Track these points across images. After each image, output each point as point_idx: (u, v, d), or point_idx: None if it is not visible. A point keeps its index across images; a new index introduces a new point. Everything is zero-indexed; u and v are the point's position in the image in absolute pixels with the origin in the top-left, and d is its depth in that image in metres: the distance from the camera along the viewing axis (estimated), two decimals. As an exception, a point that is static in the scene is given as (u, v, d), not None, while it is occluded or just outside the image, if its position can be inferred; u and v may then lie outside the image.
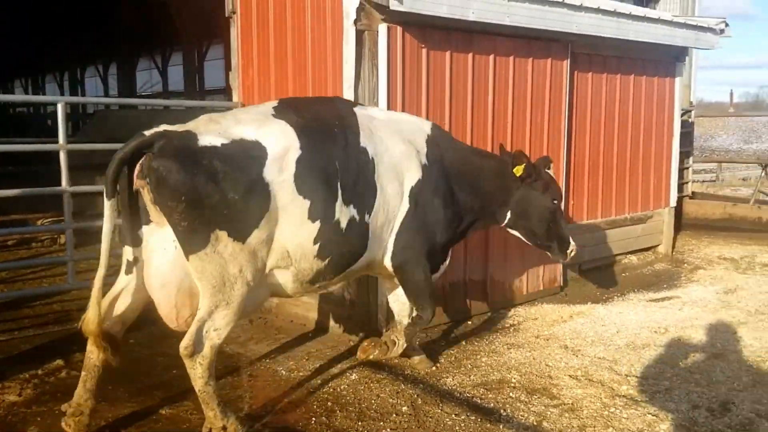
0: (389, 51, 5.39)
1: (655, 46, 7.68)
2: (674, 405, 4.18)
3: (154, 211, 3.56)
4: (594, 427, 3.95)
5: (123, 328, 3.89)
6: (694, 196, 12.10)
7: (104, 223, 3.51)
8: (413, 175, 4.38)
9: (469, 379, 4.67)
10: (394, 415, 4.12)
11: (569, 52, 6.91)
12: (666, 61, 8.35)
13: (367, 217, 4.10)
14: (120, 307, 3.81)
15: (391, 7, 5.03)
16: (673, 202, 8.90)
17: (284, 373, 4.82)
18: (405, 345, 4.61)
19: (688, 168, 11.74)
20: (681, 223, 11.02)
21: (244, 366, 4.91)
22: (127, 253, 3.76)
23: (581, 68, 7.31)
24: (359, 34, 5.33)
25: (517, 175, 4.68)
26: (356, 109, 4.34)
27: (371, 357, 4.67)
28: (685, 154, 11.33)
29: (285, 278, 3.94)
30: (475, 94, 6.13)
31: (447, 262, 4.86)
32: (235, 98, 6.87)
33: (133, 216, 3.65)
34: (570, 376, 4.70)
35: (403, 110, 5.49)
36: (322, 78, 5.75)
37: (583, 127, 7.53)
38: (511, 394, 4.40)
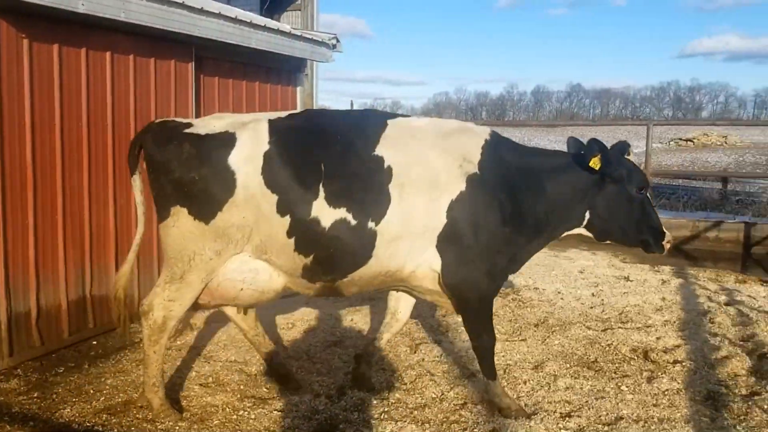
0: (-23, 38, 4.63)
1: (278, 56, 8.08)
2: (298, 397, 4.42)
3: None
4: (223, 433, 3.96)
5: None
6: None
7: (135, 196, 4.18)
8: (454, 188, 4.00)
9: (90, 407, 4.27)
10: (-6, 464, 3.55)
11: (194, 56, 6.84)
12: (288, 70, 8.86)
13: (371, 223, 3.89)
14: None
15: (-22, -11, 4.32)
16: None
17: None
18: (497, 391, 4.28)
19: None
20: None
21: None
22: None
23: (208, 72, 7.30)
24: (-64, 16, 4.45)
25: (596, 168, 4.14)
26: (391, 120, 4.17)
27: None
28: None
29: (276, 270, 4.02)
30: (92, 91, 5.66)
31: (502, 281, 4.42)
32: None
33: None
34: (201, 384, 4.65)
35: (0, 106, 4.80)
36: None
37: (212, 131, 7.53)
38: (138, 414, 4.14)
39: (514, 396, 4.48)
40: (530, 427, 4.06)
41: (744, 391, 4.66)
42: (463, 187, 4.01)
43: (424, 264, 4.07)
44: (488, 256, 4.08)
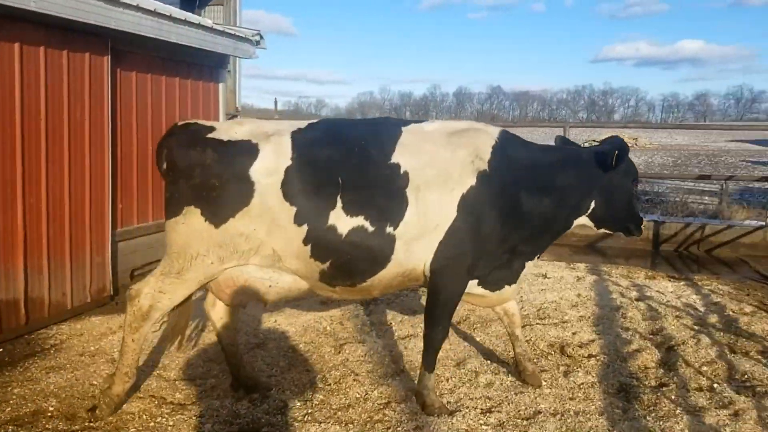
0: None
1: (199, 51, 7.89)
2: (219, 402, 4.34)
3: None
4: (140, 441, 3.83)
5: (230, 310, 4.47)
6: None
7: None
8: (466, 182, 4.12)
9: (-6, 418, 4.04)
10: None
11: (110, 48, 6.59)
12: (210, 66, 8.66)
13: (389, 228, 4.01)
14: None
15: None
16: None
17: None
18: (429, 385, 4.37)
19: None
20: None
21: None
22: None
23: (125, 66, 7.05)
24: None
25: (614, 164, 4.38)
26: (405, 127, 4.28)
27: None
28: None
29: (292, 274, 4.12)
30: (-2, 85, 5.37)
31: (516, 281, 4.63)
32: None
33: None
34: (116, 391, 4.47)
35: None
36: None
37: (130, 127, 7.28)
38: (48, 425, 3.95)
39: (437, 393, 4.54)
40: (452, 423, 4.12)
41: (653, 383, 4.89)
42: (473, 182, 4.14)
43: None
44: (476, 253, 4.21)
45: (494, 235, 4.23)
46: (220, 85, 8.96)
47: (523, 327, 6.10)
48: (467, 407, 4.37)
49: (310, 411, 4.29)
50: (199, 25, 7.60)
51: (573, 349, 5.55)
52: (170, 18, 7.02)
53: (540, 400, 4.52)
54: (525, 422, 4.20)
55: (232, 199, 3.90)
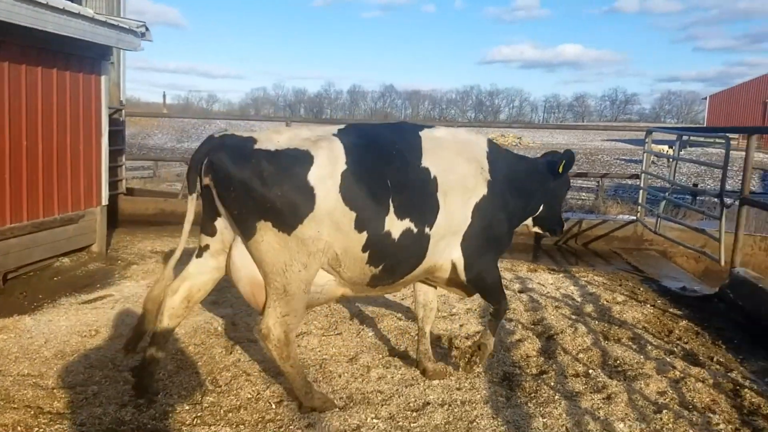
0: None
1: (79, 42, 7.50)
2: (102, 409, 4.15)
3: (219, 204, 4.01)
4: (14, 455, 3.61)
5: (188, 305, 4.33)
6: (130, 192, 12.37)
7: (187, 213, 4.11)
8: (479, 191, 4.55)
9: None
10: None
11: (-23, 36, 6.14)
12: (91, 57, 8.26)
13: (427, 229, 4.31)
14: (185, 287, 4.28)
15: None
16: (105, 200, 8.91)
17: None
18: (492, 340, 4.87)
19: (121, 166, 11.94)
20: (117, 220, 11.16)
21: None
22: (201, 239, 4.25)
23: (-6, 56, 6.59)
24: None
25: (560, 171, 4.92)
26: (422, 132, 4.52)
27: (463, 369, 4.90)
28: (117, 152, 11.48)
29: (342, 279, 4.26)
30: None
31: None
32: None
33: (208, 208, 4.12)
34: (-14, 403, 4.19)
35: None
36: None
37: (2, 120, 6.82)
38: None
39: (329, 390, 4.59)
40: (344, 419, 4.18)
41: (534, 371, 5.17)
42: (485, 191, 4.58)
43: (449, 258, 4.58)
44: (495, 248, 4.77)
45: (503, 233, 4.77)
46: (103, 78, 8.57)
47: (413, 321, 6.27)
48: (359, 402, 4.44)
49: (199, 414, 4.20)
50: (78, 15, 7.22)
51: (460, 341, 5.76)
52: (46, 6, 6.64)
53: (429, 392, 4.66)
54: (414, 414, 4.32)
55: (298, 206, 3.91)
